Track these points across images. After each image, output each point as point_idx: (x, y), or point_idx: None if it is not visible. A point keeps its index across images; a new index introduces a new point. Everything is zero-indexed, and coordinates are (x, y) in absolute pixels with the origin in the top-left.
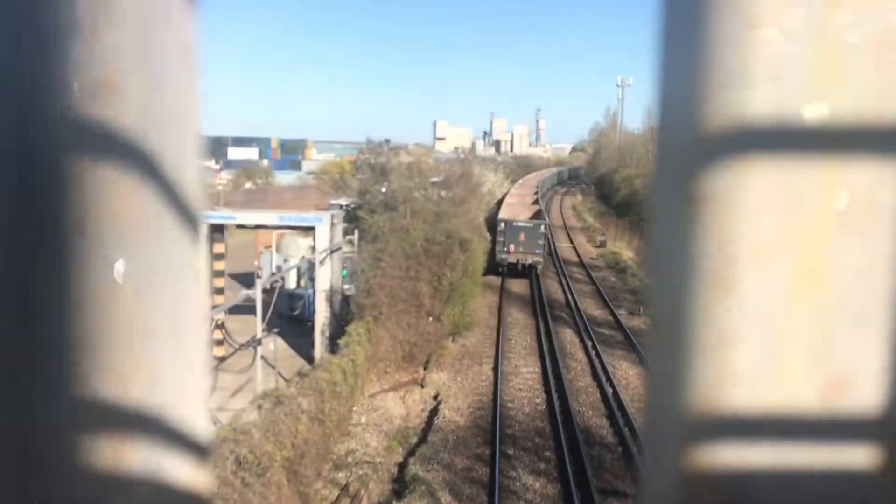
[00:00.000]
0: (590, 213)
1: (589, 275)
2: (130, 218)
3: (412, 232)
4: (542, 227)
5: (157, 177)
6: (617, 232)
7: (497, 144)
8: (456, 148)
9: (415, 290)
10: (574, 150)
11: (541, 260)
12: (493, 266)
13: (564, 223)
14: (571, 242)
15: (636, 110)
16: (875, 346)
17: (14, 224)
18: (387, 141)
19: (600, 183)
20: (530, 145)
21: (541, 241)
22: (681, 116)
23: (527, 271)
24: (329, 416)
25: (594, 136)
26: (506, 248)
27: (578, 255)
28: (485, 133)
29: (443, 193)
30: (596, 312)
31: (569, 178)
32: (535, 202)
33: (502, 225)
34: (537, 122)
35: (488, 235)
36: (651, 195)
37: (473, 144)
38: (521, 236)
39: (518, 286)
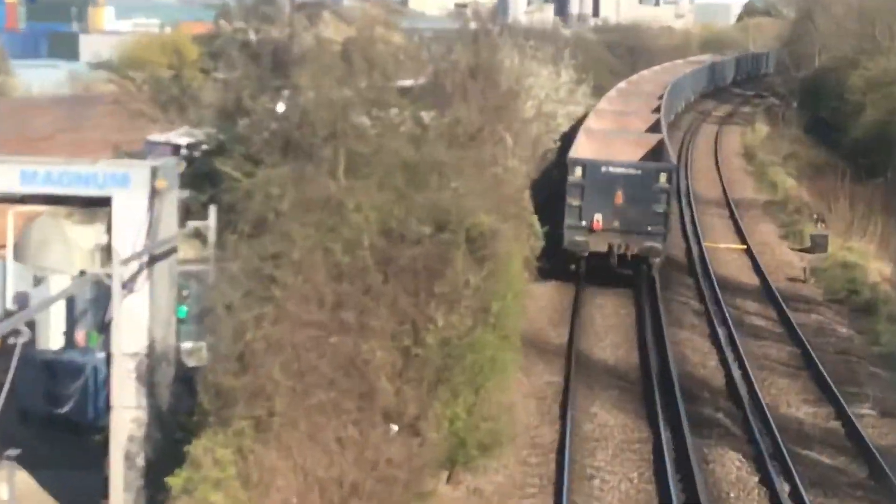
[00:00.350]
0: (786, 165)
1: (784, 319)
2: None
3: (351, 213)
4: (663, 175)
5: None
6: (853, 214)
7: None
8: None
9: (356, 358)
10: (748, 11)
11: (659, 246)
12: (556, 255)
13: (724, 189)
14: (741, 239)
15: None
16: None
17: None
18: None
19: (812, 94)
20: (643, 2)
21: (660, 207)
22: None
23: (630, 270)
24: None
25: None
26: (585, 221)
27: (759, 270)
28: None
29: (428, 118)
30: (801, 413)
31: (735, 82)
32: (654, 127)
33: (578, 171)
34: None
35: (534, 217)
36: None
37: None
38: (619, 196)
39: (610, 322)
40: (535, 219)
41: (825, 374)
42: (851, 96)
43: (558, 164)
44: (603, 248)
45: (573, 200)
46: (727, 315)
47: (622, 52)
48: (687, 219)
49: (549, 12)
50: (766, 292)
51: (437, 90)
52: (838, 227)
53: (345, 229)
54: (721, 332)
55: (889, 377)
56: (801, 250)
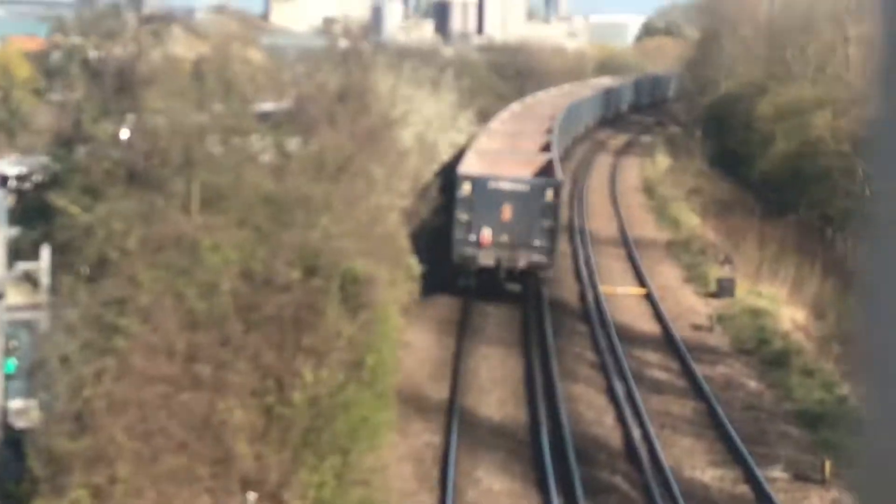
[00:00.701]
0: (689, 201)
1: (689, 372)
2: None
3: (207, 253)
4: (549, 191)
5: None
6: (762, 255)
7: (441, 12)
8: (329, 20)
9: (211, 418)
10: (648, 31)
11: (545, 259)
12: (447, 272)
13: (622, 227)
14: (641, 282)
15: None
16: None
17: None
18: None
19: (718, 122)
20: (532, 19)
21: (547, 222)
22: None
23: (518, 283)
24: None
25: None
26: (473, 236)
27: (660, 317)
28: None
29: (292, 146)
30: (707, 476)
31: (634, 108)
32: (545, 147)
33: (467, 187)
34: None
35: (412, 259)
36: (873, 162)
37: (379, 6)
38: (507, 211)
39: (496, 374)
40: (413, 261)
41: (733, 432)
42: (760, 125)
43: (448, 176)
44: (491, 263)
45: (462, 215)
46: (626, 367)
47: (510, 74)
48: (581, 260)
49: (428, 29)
50: (668, 342)
51: (302, 115)
52: (747, 269)
53: (200, 272)
54: (619, 386)
55: (802, 436)
56: (706, 295)
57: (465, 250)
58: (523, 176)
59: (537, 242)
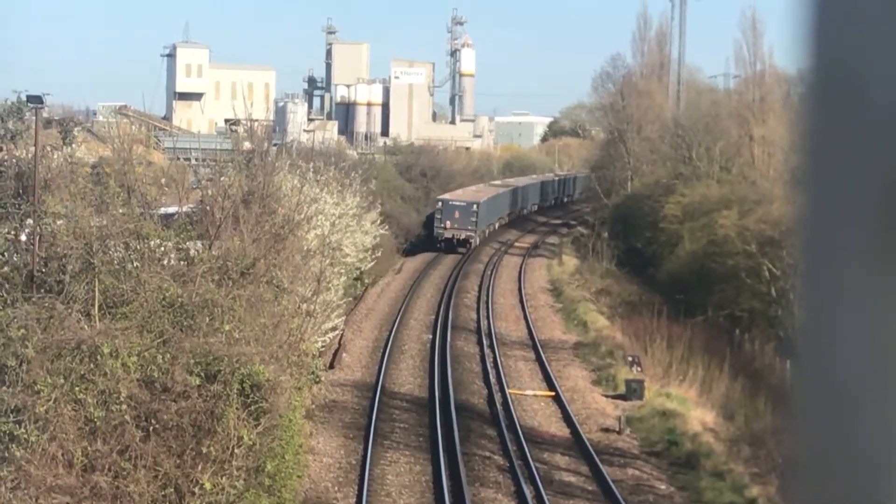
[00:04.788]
0: (597, 302)
1: (598, 475)
2: None
3: (107, 360)
4: (475, 205)
5: None
6: (671, 356)
7: (346, 113)
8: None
9: None
10: (553, 131)
11: (473, 234)
12: (431, 242)
13: (530, 329)
14: (549, 385)
15: (716, 31)
16: None
17: None
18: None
19: (624, 223)
20: (437, 120)
21: (473, 218)
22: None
23: (462, 246)
24: None
25: (607, 97)
26: (443, 224)
27: (569, 420)
28: (310, 81)
29: (196, 249)
30: None
31: (540, 209)
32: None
33: (440, 204)
34: (455, 58)
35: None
36: (798, 255)
37: (283, 107)
38: (457, 214)
39: (404, 480)
40: (317, 364)
41: None
42: (667, 225)
43: (427, 223)
44: (450, 236)
45: (438, 216)
46: (534, 471)
47: (415, 176)
48: (489, 362)
49: (333, 131)
50: (577, 445)
51: (205, 218)
52: (655, 370)
53: (99, 379)
54: (528, 490)
55: None
56: (615, 397)
57: (439, 231)
58: (464, 199)
59: (469, 227)
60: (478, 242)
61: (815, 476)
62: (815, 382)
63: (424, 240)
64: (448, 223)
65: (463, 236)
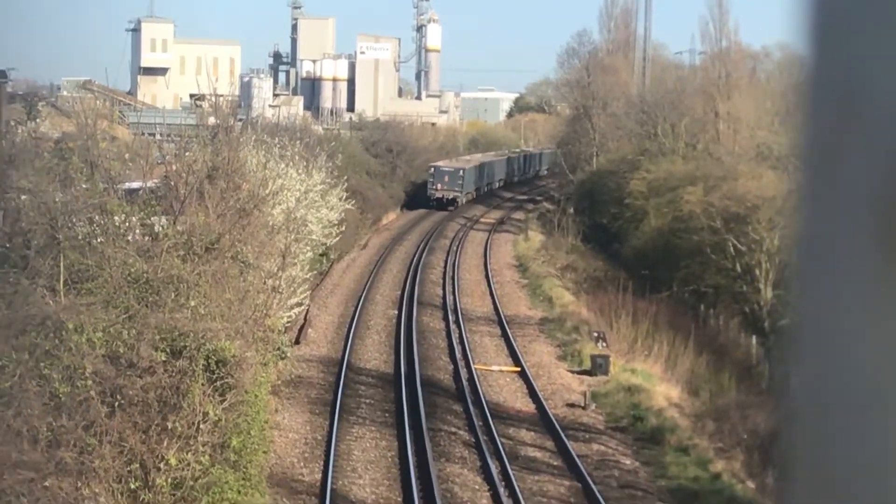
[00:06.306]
0: (563, 278)
1: (563, 450)
2: None
3: (72, 335)
4: (461, 171)
5: None
6: (636, 332)
7: (311, 89)
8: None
9: None
10: (519, 107)
11: (460, 194)
12: (425, 201)
13: (496, 305)
14: (515, 360)
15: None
16: None
17: None
18: None
19: (590, 199)
20: (403, 95)
21: (459, 182)
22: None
23: (451, 204)
24: None
25: (573, 73)
26: (435, 186)
27: (535, 395)
28: (275, 57)
29: (161, 225)
30: None
31: (506, 184)
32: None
33: (432, 169)
34: (421, 33)
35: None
36: (794, 238)
37: (248, 82)
38: (446, 178)
39: (370, 456)
40: (283, 339)
41: None
42: (633, 201)
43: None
44: (440, 196)
45: (430, 179)
46: (500, 446)
47: (381, 151)
48: (455, 338)
49: (299, 106)
50: (542, 420)
51: (170, 194)
52: (621, 346)
53: (64, 354)
54: (493, 465)
55: None
56: (580, 372)
57: (431, 192)
58: (453, 166)
59: (456, 188)
60: (463, 202)
61: (811, 476)
62: (812, 384)
63: (418, 199)
64: (439, 185)
65: (451, 196)
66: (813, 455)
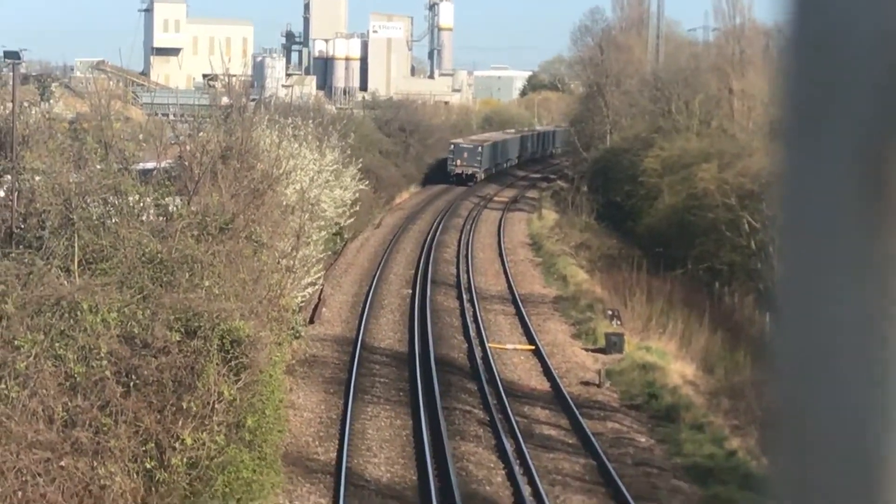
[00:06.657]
0: (577, 256)
1: (578, 428)
2: None
3: (87, 316)
4: (479, 147)
5: None
6: (651, 310)
7: (324, 68)
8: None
9: (91, 485)
10: (532, 85)
11: (479, 170)
12: (445, 177)
13: (510, 283)
14: (529, 339)
15: None
16: None
17: None
18: None
19: (604, 177)
20: (416, 74)
21: (478, 158)
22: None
23: (470, 179)
24: None
25: (586, 51)
26: (455, 162)
27: (549, 374)
28: (288, 36)
29: (175, 205)
30: None
31: (520, 163)
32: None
33: (452, 146)
34: (433, 12)
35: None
36: (777, 202)
37: (261, 62)
38: (465, 154)
39: (385, 434)
40: (297, 319)
41: (623, 488)
42: (647, 179)
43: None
44: (460, 171)
45: (450, 156)
46: (515, 424)
47: (394, 131)
48: (469, 316)
49: (311, 86)
50: (557, 398)
51: (184, 174)
52: (635, 324)
53: (79, 334)
54: (508, 443)
55: (692, 491)
56: (594, 350)
57: (451, 168)
58: (472, 142)
59: (475, 165)
60: (482, 177)
61: (796, 430)
62: (795, 337)
63: (437, 176)
64: (458, 161)
65: (470, 171)
66: (796, 410)
